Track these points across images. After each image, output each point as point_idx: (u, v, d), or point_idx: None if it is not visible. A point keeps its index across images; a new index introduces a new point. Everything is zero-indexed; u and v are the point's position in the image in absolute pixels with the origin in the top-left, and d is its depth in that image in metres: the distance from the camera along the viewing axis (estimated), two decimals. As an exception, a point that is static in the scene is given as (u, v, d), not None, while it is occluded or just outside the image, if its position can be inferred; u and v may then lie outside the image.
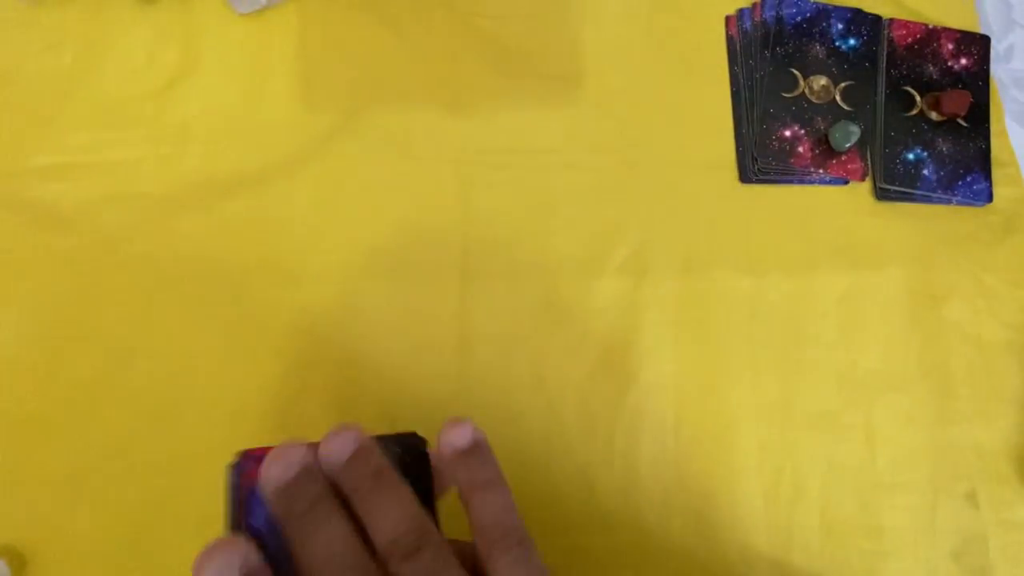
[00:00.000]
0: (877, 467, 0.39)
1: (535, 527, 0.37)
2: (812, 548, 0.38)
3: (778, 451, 0.39)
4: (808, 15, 0.45)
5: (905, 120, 0.44)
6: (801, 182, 0.44)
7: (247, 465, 0.26)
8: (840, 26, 0.45)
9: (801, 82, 0.44)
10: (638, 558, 0.37)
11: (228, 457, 0.37)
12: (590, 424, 0.39)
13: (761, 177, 0.43)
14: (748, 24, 0.46)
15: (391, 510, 0.24)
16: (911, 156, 0.44)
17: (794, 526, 0.38)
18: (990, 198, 0.43)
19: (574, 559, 0.37)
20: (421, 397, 0.39)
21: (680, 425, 0.39)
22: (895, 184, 0.43)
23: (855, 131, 0.42)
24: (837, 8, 0.46)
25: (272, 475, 0.25)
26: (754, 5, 0.46)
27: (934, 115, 0.44)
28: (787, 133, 0.44)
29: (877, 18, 0.46)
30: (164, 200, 0.41)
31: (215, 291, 0.40)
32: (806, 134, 0.44)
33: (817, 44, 0.45)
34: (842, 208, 0.43)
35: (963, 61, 0.46)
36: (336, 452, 0.25)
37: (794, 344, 0.41)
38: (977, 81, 0.45)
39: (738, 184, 0.43)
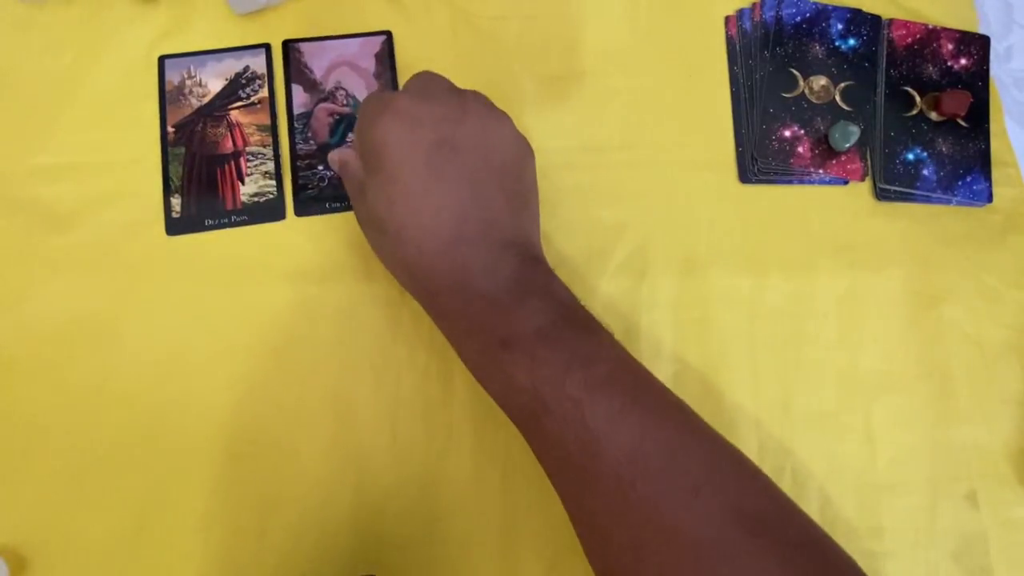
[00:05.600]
0: (877, 467, 0.39)
1: (537, 525, 0.37)
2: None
3: (778, 451, 0.39)
4: (808, 15, 0.45)
5: (905, 120, 0.44)
6: (801, 182, 0.44)
7: None
8: (840, 26, 0.45)
9: (801, 82, 0.44)
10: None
11: (227, 456, 0.37)
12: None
13: (761, 177, 0.43)
14: (748, 24, 0.46)
15: None
16: (911, 156, 0.44)
17: (794, 526, 0.38)
18: (990, 198, 0.43)
19: (576, 557, 0.37)
20: (420, 399, 0.39)
21: (680, 425, 0.39)
22: (895, 184, 0.43)
23: (855, 131, 0.42)
24: (837, 8, 0.46)
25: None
26: (754, 5, 0.46)
27: (934, 115, 0.44)
28: (787, 133, 0.44)
29: (877, 18, 0.46)
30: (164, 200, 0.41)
31: (215, 290, 0.40)
32: (806, 134, 0.44)
33: (817, 44, 0.45)
34: (842, 208, 0.43)
35: (963, 61, 0.46)
36: None
37: (794, 344, 0.41)
38: (977, 81, 0.45)
39: (738, 184, 0.43)
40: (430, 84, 0.35)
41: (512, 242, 0.34)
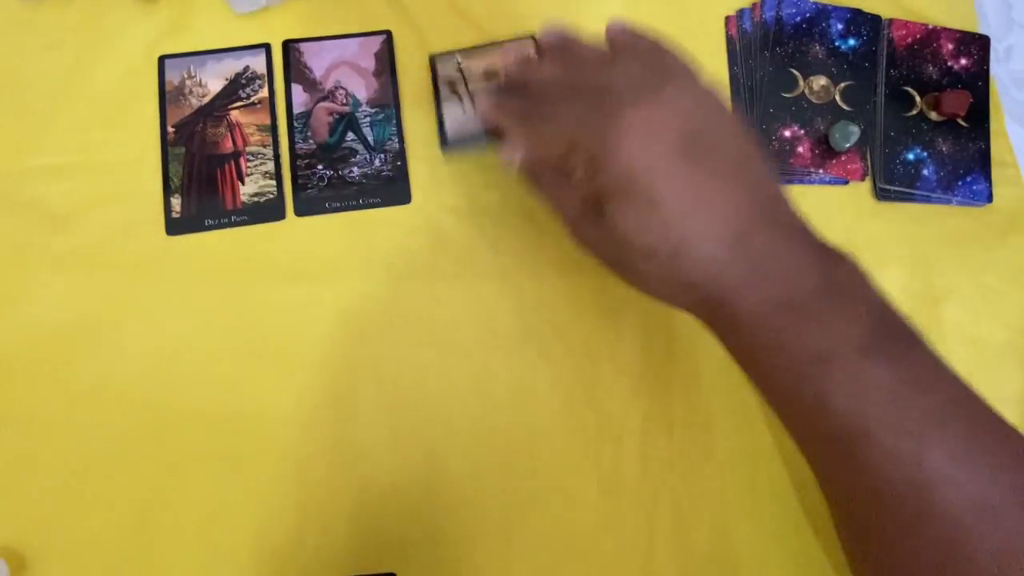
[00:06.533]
0: (877, 467, 0.39)
1: (536, 525, 0.37)
2: (813, 548, 0.38)
3: (779, 451, 0.39)
4: (808, 15, 0.45)
5: (905, 120, 0.44)
6: (801, 182, 0.44)
7: None
8: (840, 26, 0.45)
9: (801, 82, 0.44)
10: (640, 557, 0.37)
11: (227, 457, 0.37)
12: (595, 426, 0.39)
13: (761, 177, 0.43)
14: (748, 24, 0.46)
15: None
16: (911, 156, 0.44)
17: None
18: (990, 198, 0.43)
19: (575, 553, 0.37)
20: (420, 399, 0.39)
21: (680, 425, 0.39)
22: (895, 184, 0.43)
23: (855, 131, 0.42)
24: (837, 8, 0.46)
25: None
26: (754, 5, 0.46)
27: (934, 115, 0.44)
28: (787, 133, 0.44)
29: (877, 18, 0.46)
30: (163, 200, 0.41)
31: (215, 290, 0.40)
32: (806, 134, 0.44)
33: (817, 44, 0.45)
34: (842, 208, 0.43)
35: (963, 61, 0.46)
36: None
37: (794, 344, 0.41)
38: (977, 81, 0.45)
39: (738, 184, 0.43)
40: (627, 67, 0.30)
41: (794, 222, 0.29)
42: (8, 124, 0.42)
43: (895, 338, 0.28)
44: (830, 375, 0.27)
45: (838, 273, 0.29)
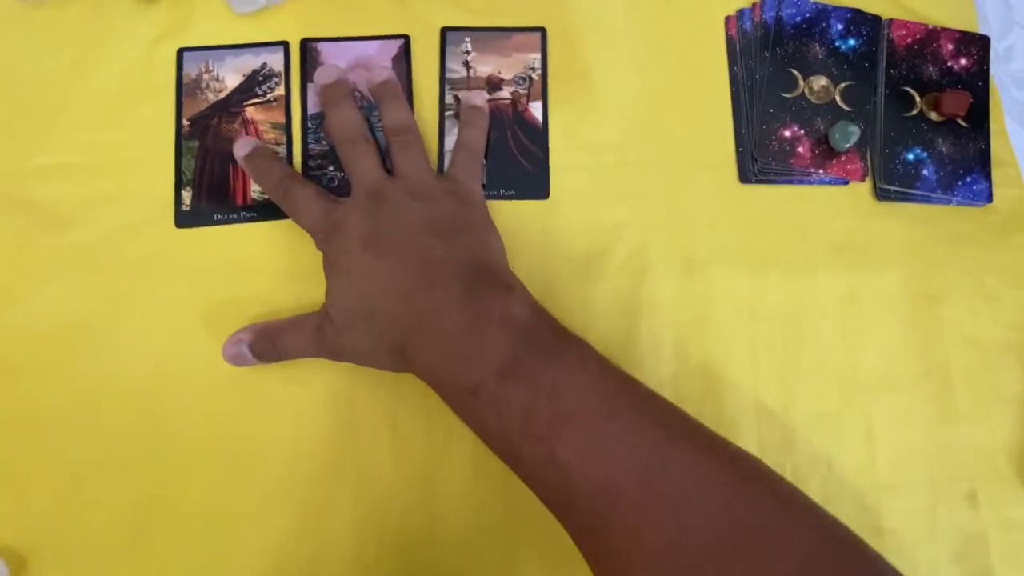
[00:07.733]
0: (877, 467, 0.39)
1: (538, 525, 0.37)
2: (812, 548, 0.38)
3: (778, 451, 0.39)
4: (808, 15, 0.45)
5: (905, 120, 0.44)
6: (801, 182, 0.44)
7: None
8: (840, 26, 0.46)
9: (801, 82, 0.44)
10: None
11: (227, 456, 0.37)
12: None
13: (761, 177, 0.43)
14: (748, 24, 0.46)
15: (397, 112, 0.40)
16: (911, 156, 0.44)
17: (794, 526, 0.38)
18: (990, 198, 0.43)
19: (576, 553, 0.37)
20: (420, 399, 0.39)
21: (680, 425, 0.39)
22: (895, 184, 0.43)
23: (855, 131, 0.42)
24: (837, 8, 0.46)
25: (319, 79, 0.41)
26: (754, 5, 0.46)
27: (934, 115, 0.44)
28: (787, 133, 0.44)
29: (877, 18, 0.46)
30: (164, 200, 0.41)
31: (220, 286, 0.40)
32: (806, 134, 0.44)
33: (817, 44, 0.45)
34: (842, 208, 0.43)
35: (963, 61, 0.46)
36: (373, 74, 0.42)
37: (794, 344, 0.41)
38: (977, 81, 0.45)
39: (738, 184, 0.43)
40: (334, 227, 0.37)
41: (457, 273, 0.34)
42: (9, 124, 0.42)
43: (534, 354, 0.31)
44: (479, 404, 0.31)
45: (485, 304, 0.33)
